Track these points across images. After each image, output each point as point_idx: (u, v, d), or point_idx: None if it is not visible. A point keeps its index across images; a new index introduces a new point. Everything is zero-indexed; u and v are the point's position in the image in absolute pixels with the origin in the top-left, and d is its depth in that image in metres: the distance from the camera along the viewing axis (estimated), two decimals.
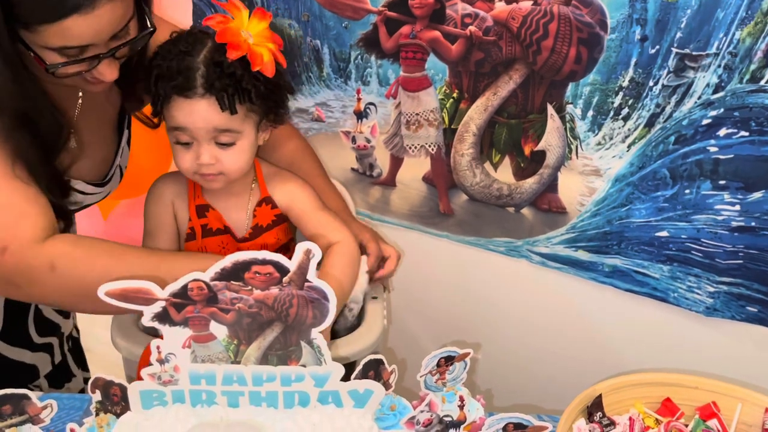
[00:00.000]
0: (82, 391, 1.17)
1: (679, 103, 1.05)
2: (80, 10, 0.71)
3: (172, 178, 1.02)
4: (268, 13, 0.89)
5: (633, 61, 1.06)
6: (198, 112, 0.88)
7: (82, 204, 0.97)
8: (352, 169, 1.37)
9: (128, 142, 1.04)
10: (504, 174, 1.24)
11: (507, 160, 1.23)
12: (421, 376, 0.80)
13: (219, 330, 0.66)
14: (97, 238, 0.85)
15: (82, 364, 1.22)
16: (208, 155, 0.90)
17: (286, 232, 1.07)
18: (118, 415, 0.70)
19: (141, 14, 0.80)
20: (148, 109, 0.98)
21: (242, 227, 1.02)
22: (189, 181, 1.01)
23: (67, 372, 1.16)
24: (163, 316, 0.64)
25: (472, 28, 1.15)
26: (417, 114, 1.27)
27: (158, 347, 0.65)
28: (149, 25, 0.81)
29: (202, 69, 0.88)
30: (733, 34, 0.97)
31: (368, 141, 1.33)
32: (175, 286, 0.63)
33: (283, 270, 0.63)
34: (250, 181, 1.03)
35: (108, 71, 0.80)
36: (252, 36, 0.89)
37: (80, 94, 0.91)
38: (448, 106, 1.24)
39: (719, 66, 0.99)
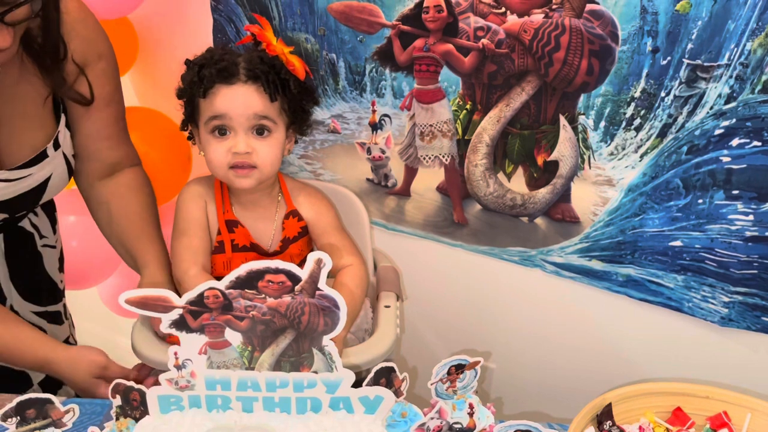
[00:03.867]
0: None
1: (691, 113, 1.05)
2: None
3: (206, 182, 1.06)
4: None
5: (645, 72, 1.06)
6: (240, 98, 0.94)
7: (10, 194, 0.94)
8: (368, 179, 1.39)
9: (67, 126, 1.00)
10: (517, 184, 1.25)
11: (520, 171, 1.24)
12: (431, 384, 0.81)
13: (234, 337, 0.68)
14: None
15: None
16: (244, 144, 0.95)
17: (308, 244, 1.10)
18: (137, 420, 0.72)
19: None
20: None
21: (268, 240, 1.05)
22: (217, 192, 1.04)
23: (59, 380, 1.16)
24: (180, 323, 0.67)
25: (484, 41, 1.17)
26: (431, 125, 1.29)
27: (176, 353, 0.68)
28: None
29: (245, 59, 0.96)
30: (744, 45, 0.97)
31: (383, 152, 1.35)
32: (191, 295, 0.65)
33: (295, 279, 0.65)
34: (276, 193, 1.06)
35: (0, 38, 0.78)
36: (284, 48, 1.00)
37: None
38: (461, 117, 1.25)
39: (731, 77, 1.00)
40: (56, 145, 0.97)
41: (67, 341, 1.17)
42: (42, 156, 0.95)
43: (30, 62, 0.91)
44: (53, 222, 1.12)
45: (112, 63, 1.02)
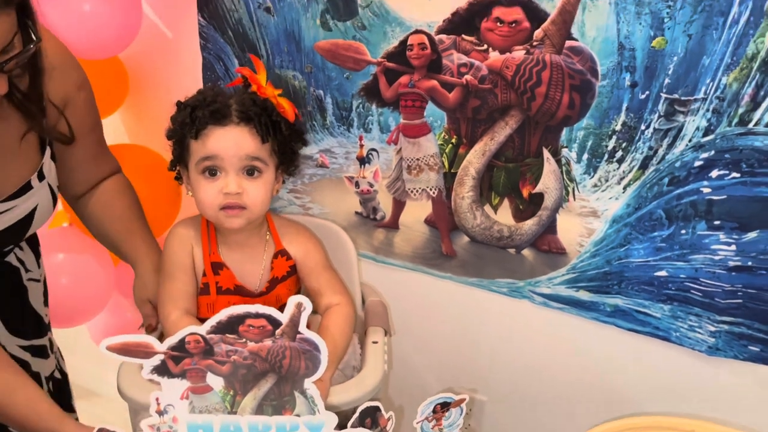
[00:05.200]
0: None
1: (671, 145, 1.07)
2: None
3: (192, 224, 1.07)
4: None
5: (624, 106, 1.08)
6: (233, 139, 0.95)
7: (1, 227, 0.96)
8: (356, 212, 1.41)
9: (53, 158, 1.02)
10: (504, 216, 1.26)
11: (506, 203, 1.26)
12: (417, 423, 0.81)
13: (215, 381, 0.68)
14: None
15: (67, 407, 1.20)
16: (234, 184, 0.96)
17: (297, 283, 1.10)
18: None
19: (25, 28, 0.81)
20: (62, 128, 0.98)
21: (256, 280, 1.05)
22: (203, 234, 1.05)
23: None
24: (162, 369, 0.67)
25: (468, 77, 1.19)
26: (417, 159, 1.30)
27: (157, 399, 0.68)
28: (34, 37, 0.82)
29: (237, 102, 0.97)
30: (720, 80, 0.99)
31: (371, 185, 1.36)
32: (173, 340, 0.66)
33: (275, 323, 0.66)
34: (264, 232, 1.07)
35: None
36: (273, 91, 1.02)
37: None
38: (447, 151, 1.27)
39: (708, 110, 1.02)
40: (41, 176, 0.99)
41: (52, 374, 1.16)
42: (26, 188, 0.97)
43: (8, 102, 0.91)
44: (37, 256, 1.13)
45: (90, 89, 1.05)
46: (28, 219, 0.99)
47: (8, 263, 1.05)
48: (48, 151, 1.00)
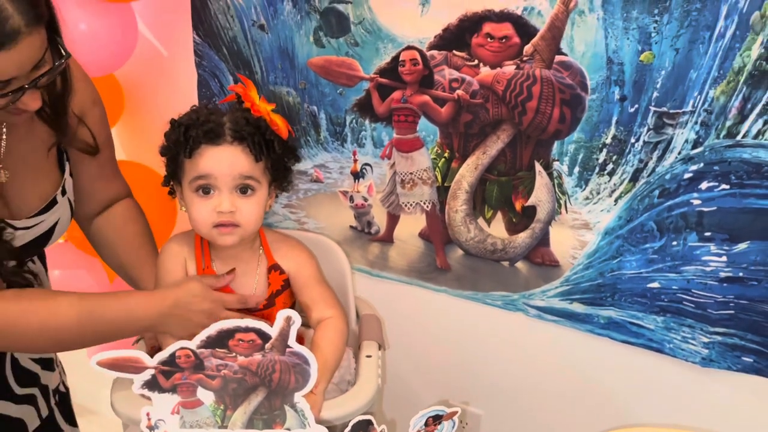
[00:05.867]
0: None
1: (660, 158, 1.08)
2: (4, 47, 0.74)
3: (185, 239, 1.07)
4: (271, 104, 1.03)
5: (614, 119, 1.09)
6: (226, 158, 0.96)
7: (25, 240, 0.98)
8: (351, 227, 1.41)
9: (71, 174, 1.06)
10: (497, 229, 1.27)
11: (499, 216, 1.26)
12: None
13: (206, 396, 0.69)
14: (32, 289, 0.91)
15: (71, 421, 1.22)
16: (228, 203, 0.96)
17: (291, 297, 1.10)
18: None
19: (54, 44, 0.84)
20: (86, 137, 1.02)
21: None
22: (197, 249, 1.05)
23: (56, 427, 1.15)
24: (152, 384, 0.67)
25: (459, 92, 1.20)
26: (411, 173, 1.31)
27: (148, 414, 0.68)
28: (63, 53, 0.85)
29: (230, 121, 0.97)
30: (707, 93, 1.00)
31: (365, 200, 1.37)
32: (163, 355, 0.66)
33: (265, 337, 0.66)
34: (257, 247, 1.07)
35: (32, 101, 0.84)
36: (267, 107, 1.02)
37: (4, 129, 0.94)
38: (440, 165, 1.28)
39: (696, 123, 1.03)
40: (63, 192, 1.02)
41: (57, 387, 1.18)
42: (53, 203, 1.00)
43: (36, 117, 0.95)
44: (46, 269, 1.15)
45: (102, 104, 1.08)
46: (50, 232, 1.02)
47: (25, 275, 1.06)
48: (67, 167, 1.04)
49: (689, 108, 1.02)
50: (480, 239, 1.29)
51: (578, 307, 1.23)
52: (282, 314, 0.65)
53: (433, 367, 1.43)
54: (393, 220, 1.37)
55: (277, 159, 1.01)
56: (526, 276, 1.27)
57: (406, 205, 1.34)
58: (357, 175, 1.37)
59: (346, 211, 1.40)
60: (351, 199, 1.38)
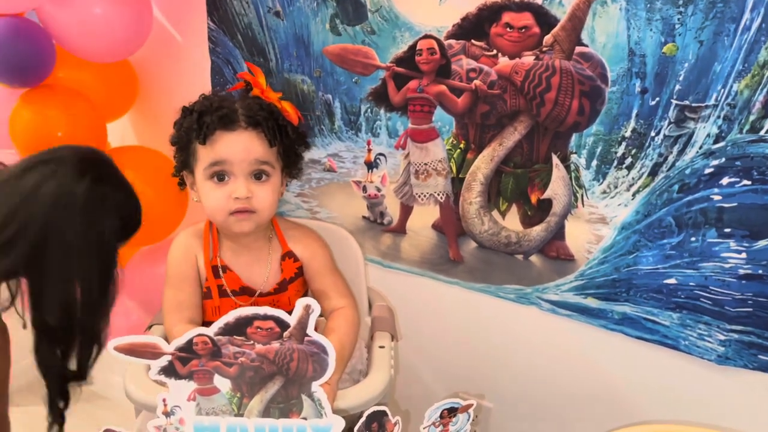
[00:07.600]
0: None
1: (681, 152, 1.06)
2: None
3: (194, 233, 1.07)
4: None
5: (634, 112, 1.08)
6: (241, 143, 0.95)
7: None
8: (364, 217, 1.40)
9: None
10: (512, 222, 1.26)
11: (514, 208, 1.25)
12: (424, 428, 0.81)
13: (223, 383, 0.68)
14: None
15: None
16: (244, 188, 0.96)
17: (304, 285, 1.10)
18: None
19: None
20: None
21: (262, 282, 1.05)
22: (205, 240, 1.05)
23: None
24: (169, 370, 0.67)
25: (477, 82, 1.19)
26: (426, 164, 1.30)
27: (164, 400, 0.68)
28: None
29: (243, 107, 0.97)
30: (731, 86, 0.99)
31: (379, 190, 1.36)
32: (180, 341, 0.65)
33: (283, 325, 0.65)
34: (270, 235, 1.07)
35: None
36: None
37: None
38: (455, 156, 1.27)
39: (719, 117, 1.01)
40: None
41: None
42: None
43: None
44: None
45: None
46: None
47: None
48: None
49: (712, 102, 1.01)
50: (494, 232, 1.28)
51: (592, 302, 1.22)
52: (301, 302, 0.65)
53: (443, 359, 1.42)
54: (406, 210, 1.36)
55: (289, 145, 1.01)
56: (540, 270, 1.26)
57: (419, 196, 1.33)
58: (371, 165, 1.36)
59: (359, 201, 1.39)
60: (364, 189, 1.37)
